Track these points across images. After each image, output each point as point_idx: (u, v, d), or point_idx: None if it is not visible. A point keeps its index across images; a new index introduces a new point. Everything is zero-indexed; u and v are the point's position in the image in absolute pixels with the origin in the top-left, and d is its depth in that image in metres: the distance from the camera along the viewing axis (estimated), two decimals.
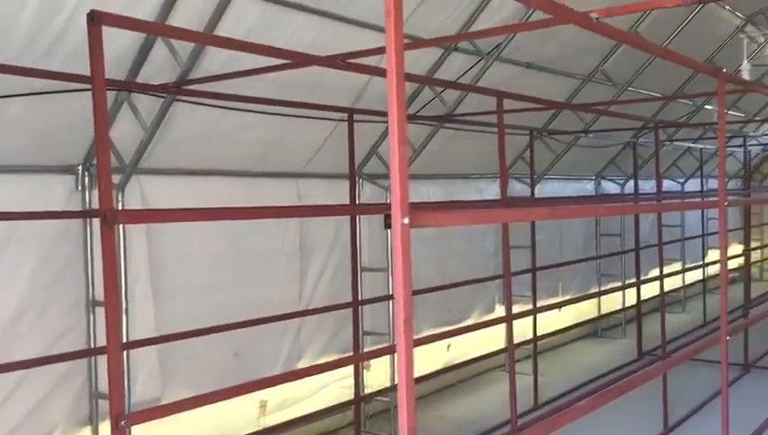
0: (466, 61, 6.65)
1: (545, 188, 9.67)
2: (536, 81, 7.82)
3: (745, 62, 7.84)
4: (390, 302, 7.22)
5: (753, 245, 13.94)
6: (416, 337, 5.82)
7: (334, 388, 6.66)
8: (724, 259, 4.25)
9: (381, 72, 4.19)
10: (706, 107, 10.53)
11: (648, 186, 10.76)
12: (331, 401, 6.53)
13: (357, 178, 6.58)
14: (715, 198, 4.30)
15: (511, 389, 5.39)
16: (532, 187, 8.25)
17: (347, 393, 6.48)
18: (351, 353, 6.21)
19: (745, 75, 7.73)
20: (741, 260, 11.67)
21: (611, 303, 11.22)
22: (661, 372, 3.86)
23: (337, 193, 6.20)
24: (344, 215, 6.23)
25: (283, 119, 5.52)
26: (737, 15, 9.36)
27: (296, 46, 4.57)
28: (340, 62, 3.92)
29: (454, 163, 8.16)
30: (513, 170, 9.13)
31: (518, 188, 9.18)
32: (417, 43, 5.18)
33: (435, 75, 6.45)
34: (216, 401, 3.65)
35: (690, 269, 11.76)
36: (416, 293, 6.92)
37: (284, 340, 6.23)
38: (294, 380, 4.94)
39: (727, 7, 8.96)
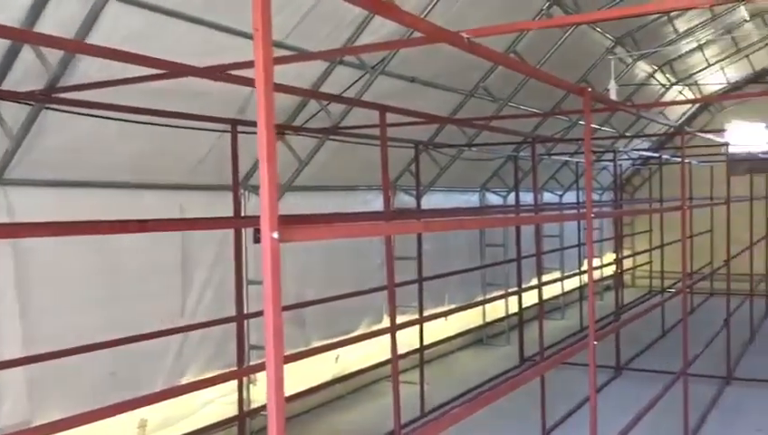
0: (352, 74, 6.73)
1: (432, 200, 9.89)
2: (422, 95, 8.01)
3: (612, 81, 8.35)
4: None
5: (625, 253, 14.81)
6: (304, 349, 5.79)
7: (219, 404, 6.52)
8: (590, 268, 4.49)
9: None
10: (581, 123, 11.10)
11: (529, 197, 11.22)
12: (216, 417, 6.39)
13: (242, 190, 6.49)
14: (595, 210, 4.52)
15: (395, 398, 5.45)
16: (418, 198, 8.42)
17: (232, 410, 6.36)
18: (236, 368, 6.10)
19: (613, 94, 8.23)
20: (615, 268, 12.30)
21: (497, 311, 11.61)
22: (534, 376, 4.02)
23: (221, 205, 6.09)
24: (226, 228, 6.11)
25: (164, 129, 5.38)
26: (607, 37, 9.95)
27: (179, 55, 4.48)
28: (218, 73, 3.86)
29: (341, 175, 8.21)
30: (401, 182, 9.30)
31: (405, 200, 9.36)
32: (300, 56, 5.19)
33: (321, 88, 6.48)
34: (91, 422, 3.49)
35: (568, 277, 12.32)
36: (303, 305, 6.91)
37: (166, 357, 6.04)
38: (175, 396, 4.79)
39: (598, 29, 9.51)
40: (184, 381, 6.16)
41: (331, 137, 7.06)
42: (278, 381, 1.94)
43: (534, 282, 9.90)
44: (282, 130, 6.69)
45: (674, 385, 6.51)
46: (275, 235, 1.92)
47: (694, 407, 7.39)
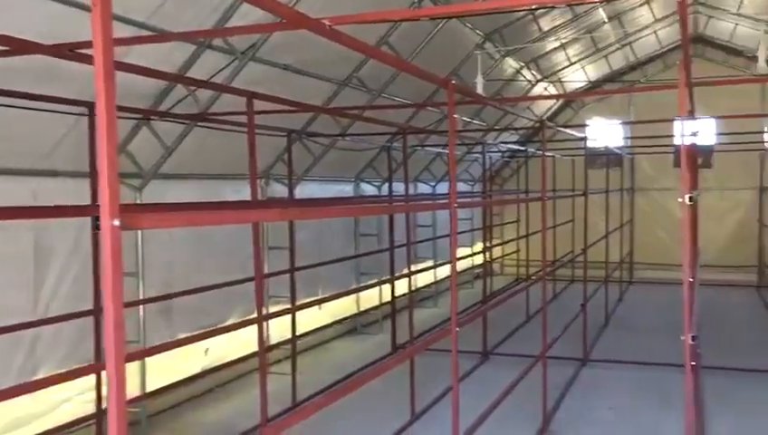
0: (222, 59, 6.55)
1: (306, 190, 9.84)
2: (296, 83, 7.93)
3: (479, 76, 8.62)
4: (141, 308, 6.90)
5: (495, 243, 15.38)
6: (169, 341, 5.56)
7: (77, 402, 6.20)
8: (453, 258, 4.61)
9: (120, 66, 3.97)
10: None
11: (403, 188, 11.41)
12: (73, 416, 6.07)
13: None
14: (459, 200, 4.62)
15: (261, 389, 5.38)
16: (290, 188, 8.35)
17: (90, 408, 6.06)
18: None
19: (479, 88, 8.50)
20: (483, 257, 12.73)
21: (371, 300, 11.74)
22: (397, 363, 4.08)
23: (80, 193, 5.76)
24: (81, 216, 5.78)
25: (14, 111, 5.02)
26: (477, 33, 10.25)
27: (31, 33, 4.16)
28: (68, 51, 3.63)
29: (212, 163, 8.00)
30: (274, 171, 9.18)
31: (278, 190, 9.26)
32: (159, 36, 4.99)
33: (188, 72, 6.27)
34: None
35: (440, 266, 12.63)
36: (168, 297, 6.67)
37: (16, 353, 5.67)
38: (25, 393, 4.50)
39: (468, 25, 9.78)
40: (37, 378, 5.80)
41: (200, 124, 6.85)
42: (119, 379, 1.84)
43: (407, 271, 10.08)
44: (146, 116, 6.42)
45: (535, 368, 6.84)
46: (116, 222, 1.82)
47: (553, 388, 7.81)
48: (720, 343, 9.78)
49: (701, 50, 15.44)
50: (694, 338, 4.18)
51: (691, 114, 7.04)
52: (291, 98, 6.42)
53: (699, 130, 9.26)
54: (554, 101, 15.90)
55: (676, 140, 11.82)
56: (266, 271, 8.61)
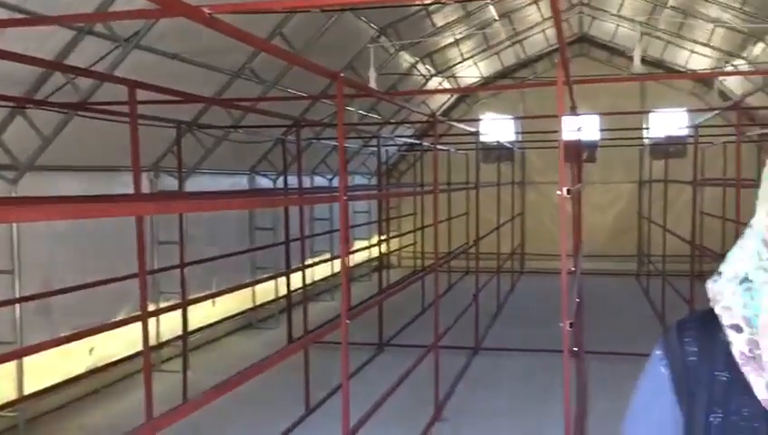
0: (104, 46, 6.28)
1: (199, 183, 9.60)
2: (186, 73, 7.71)
3: (371, 69, 8.67)
4: (18, 307, 6.53)
5: (392, 235, 15.55)
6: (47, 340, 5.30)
7: None
8: (344, 250, 4.62)
9: None
10: (348, 108, 11.41)
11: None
12: None
13: None
14: (349, 193, 4.62)
15: (146, 388, 5.21)
16: (180, 181, 8.12)
17: None
18: None
19: (372, 81, 8.55)
20: (378, 249, 12.84)
21: (268, 295, 11.60)
22: (284, 356, 4.04)
23: None
24: None
25: None
26: (372, 27, 10.30)
27: None
28: None
29: (97, 155, 7.66)
30: (164, 164, 8.90)
31: (169, 183, 8.98)
32: (38, 20, 4.72)
33: (67, 59, 5.97)
34: None
35: (337, 258, 12.65)
36: (46, 295, 6.34)
37: None
38: None
39: (363, 18, 9.81)
40: None
41: (80, 113, 6.54)
42: None
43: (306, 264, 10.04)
44: (21, 104, 6.07)
45: (430, 357, 6.98)
46: None
47: (446, 376, 7.99)
48: (603, 328, 10.28)
49: (586, 49, 16.15)
50: (571, 325, 4.36)
51: (573, 111, 7.35)
52: (181, 88, 6.24)
53: (582, 127, 9.67)
54: (449, 96, 16.22)
55: (564, 136, 12.32)
56: (156, 266, 8.35)
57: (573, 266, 7.52)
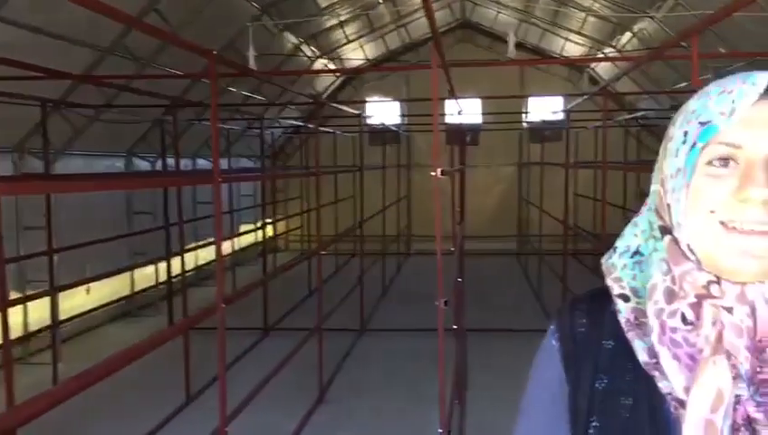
0: None
1: (70, 165, 9.10)
2: (52, 48, 7.25)
3: (251, 49, 8.48)
4: None
5: (278, 218, 15.39)
6: None
7: None
8: (219, 236, 4.51)
9: None
10: (231, 89, 11.14)
11: (182, 163, 10.97)
12: None
13: None
14: (229, 175, 4.51)
15: (7, 382, 4.90)
16: (47, 162, 7.66)
17: None
18: None
19: (251, 61, 8.38)
20: (262, 233, 12.66)
21: (149, 281, 11.21)
22: (158, 342, 3.91)
23: None
24: None
25: None
26: (254, 5, 10.07)
27: None
28: None
29: None
30: (30, 144, 8.38)
31: (37, 165, 8.46)
32: None
33: None
34: None
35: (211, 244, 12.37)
36: None
37: None
38: None
39: None
40: None
41: None
42: None
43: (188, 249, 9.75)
44: None
45: (317, 340, 6.98)
46: None
47: (331, 359, 8.02)
48: (484, 306, 10.62)
49: (468, 35, 16.51)
50: (446, 303, 4.46)
51: (452, 94, 7.49)
52: (48, 65, 5.87)
53: (463, 110, 9.88)
54: (334, 78, 16.16)
55: (447, 119, 12.56)
56: (21, 253, 7.88)
57: (453, 247, 7.70)
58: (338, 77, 16.12)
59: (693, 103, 0.98)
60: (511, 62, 9.81)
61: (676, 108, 1.04)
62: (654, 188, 1.04)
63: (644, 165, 13.98)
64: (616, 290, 1.02)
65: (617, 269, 1.04)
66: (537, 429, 1.12)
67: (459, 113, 9.48)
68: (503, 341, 9.09)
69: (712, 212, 0.91)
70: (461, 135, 11.88)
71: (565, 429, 1.06)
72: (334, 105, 10.03)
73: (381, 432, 6.34)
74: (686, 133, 0.95)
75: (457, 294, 8.22)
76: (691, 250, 0.94)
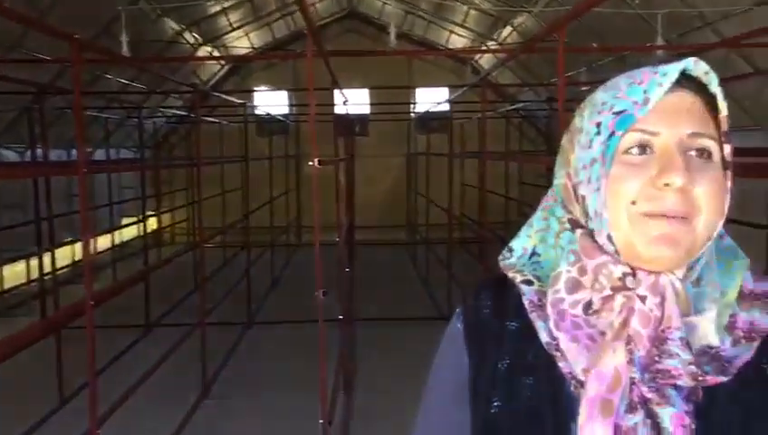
0: None
1: None
2: None
3: (123, 34, 8.11)
4: None
5: (164, 211, 14.89)
6: None
7: None
8: (85, 229, 4.30)
9: None
10: (108, 76, 10.65)
11: (55, 154, 10.39)
12: None
13: None
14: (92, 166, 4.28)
15: None
16: None
17: None
18: None
19: (124, 47, 8.01)
20: (143, 226, 12.21)
21: (20, 278, 10.58)
22: (19, 342, 3.69)
23: None
24: None
25: None
26: None
27: None
28: None
29: None
30: None
31: None
32: None
33: None
34: None
35: (99, 235, 11.86)
36: None
37: None
38: None
39: None
40: None
41: None
42: None
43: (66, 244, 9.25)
44: None
45: (202, 335, 6.80)
46: None
47: (217, 353, 7.86)
48: (374, 296, 10.71)
49: (356, 25, 16.52)
50: (325, 293, 4.45)
51: (335, 85, 7.46)
52: None
53: (349, 100, 9.87)
54: (219, 67, 15.77)
55: (337, 110, 12.53)
56: None
57: (338, 238, 7.71)
58: (222, 66, 15.72)
59: (601, 96, 0.98)
60: (392, 52, 9.92)
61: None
62: (559, 181, 1.04)
63: (525, 155, 14.55)
64: (519, 278, 1.03)
65: (516, 266, 1.05)
66: (440, 412, 1.11)
67: (345, 103, 9.48)
68: (391, 329, 9.19)
69: (633, 203, 0.91)
70: (349, 125, 11.90)
71: (468, 413, 1.06)
72: (216, 94, 9.75)
73: (267, 425, 6.27)
74: (599, 124, 0.95)
75: (346, 284, 8.25)
76: (611, 241, 0.94)
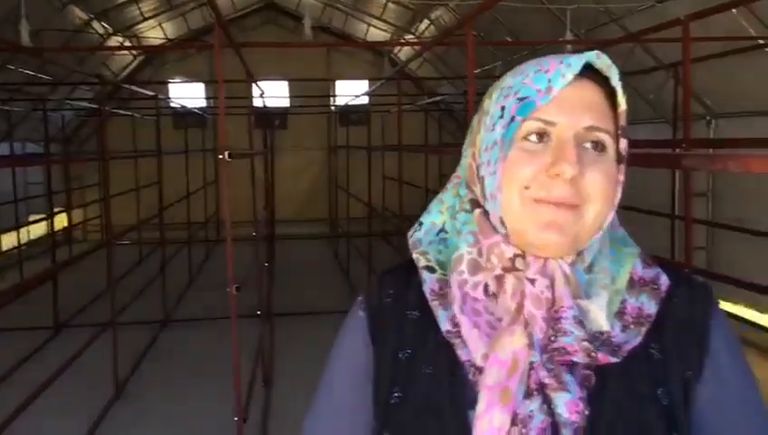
0: None
1: None
2: None
3: (23, 22, 7.72)
4: None
5: (74, 207, 14.32)
6: None
7: None
8: None
9: None
10: (9, 67, 10.14)
11: None
12: None
13: None
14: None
15: None
16: None
17: None
18: None
19: (24, 36, 7.63)
20: (49, 223, 11.72)
21: None
22: None
23: None
24: None
25: None
26: None
27: None
28: None
29: None
30: None
31: None
32: None
33: None
34: None
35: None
36: None
37: None
38: None
39: None
40: None
41: None
42: None
43: None
44: None
45: (113, 335, 6.58)
46: None
47: (131, 353, 7.62)
48: (294, 291, 10.62)
49: (273, 16, 16.31)
50: (238, 289, 4.38)
51: (250, 77, 7.34)
52: None
53: (266, 93, 9.74)
54: (132, 58, 15.27)
55: (256, 102, 12.33)
56: None
57: (255, 232, 7.61)
58: (135, 57, 15.23)
59: (509, 80, 0.99)
60: (309, 44, 9.82)
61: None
62: (465, 161, 1.05)
63: (444, 148, 14.68)
64: (422, 262, 1.02)
65: (422, 244, 1.05)
66: (338, 404, 1.09)
67: (261, 96, 9.35)
68: (311, 323, 9.14)
69: (526, 188, 0.93)
70: (268, 118, 11.76)
71: (368, 403, 1.05)
72: (126, 86, 9.44)
73: (181, 425, 6.12)
74: (503, 108, 0.96)
75: (265, 279, 8.15)
76: (502, 223, 0.96)
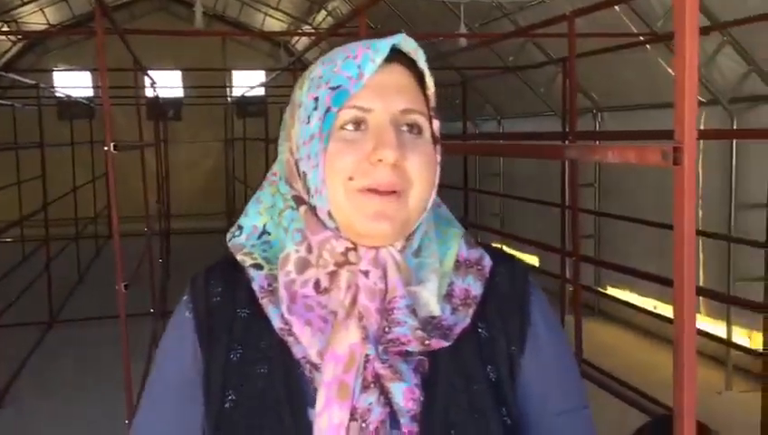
0: None
1: None
2: None
3: None
4: None
5: None
6: None
7: None
8: None
9: None
10: None
11: None
12: None
13: None
14: None
15: None
16: None
17: None
18: None
19: None
20: None
21: None
22: None
23: None
24: None
25: None
26: None
27: None
28: None
29: None
30: None
31: None
32: None
33: None
34: None
35: None
36: None
37: None
38: None
39: None
40: None
41: None
42: None
43: None
44: None
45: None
46: None
47: (14, 357, 7.21)
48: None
49: (165, 4, 15.78)
50: (126, 286, 4.22)
51: (138, 66, 7.06)
52: None
53: (157, 83, 9.41)
54: (11, 45, 14.39)
55: (148, 92, 11.88)
56: None
57: (147, 228, 7.35)
58: (14, 43, 14.35)
59: (318, 69, 0.97)
60: (200, 33, 9.56)
61: None
62: (282, 157, 1.02)
63: None
64: (248, 262, 0.99)
65: (246, 247, 1.01)
66: (164, 413, 1.03)
67: (152, 86, 9.03)
68: None
69: (350, 179, 0.92)
70: (161, 109, 11.37)
71: (198, 410, 0.99)
72: (4, 74, 8.87)
73: (68, 430, 5.85)
74: (316, 99, 0.94)
75: (158, 276, 7.90)
76: (331, 217, 0.93)
